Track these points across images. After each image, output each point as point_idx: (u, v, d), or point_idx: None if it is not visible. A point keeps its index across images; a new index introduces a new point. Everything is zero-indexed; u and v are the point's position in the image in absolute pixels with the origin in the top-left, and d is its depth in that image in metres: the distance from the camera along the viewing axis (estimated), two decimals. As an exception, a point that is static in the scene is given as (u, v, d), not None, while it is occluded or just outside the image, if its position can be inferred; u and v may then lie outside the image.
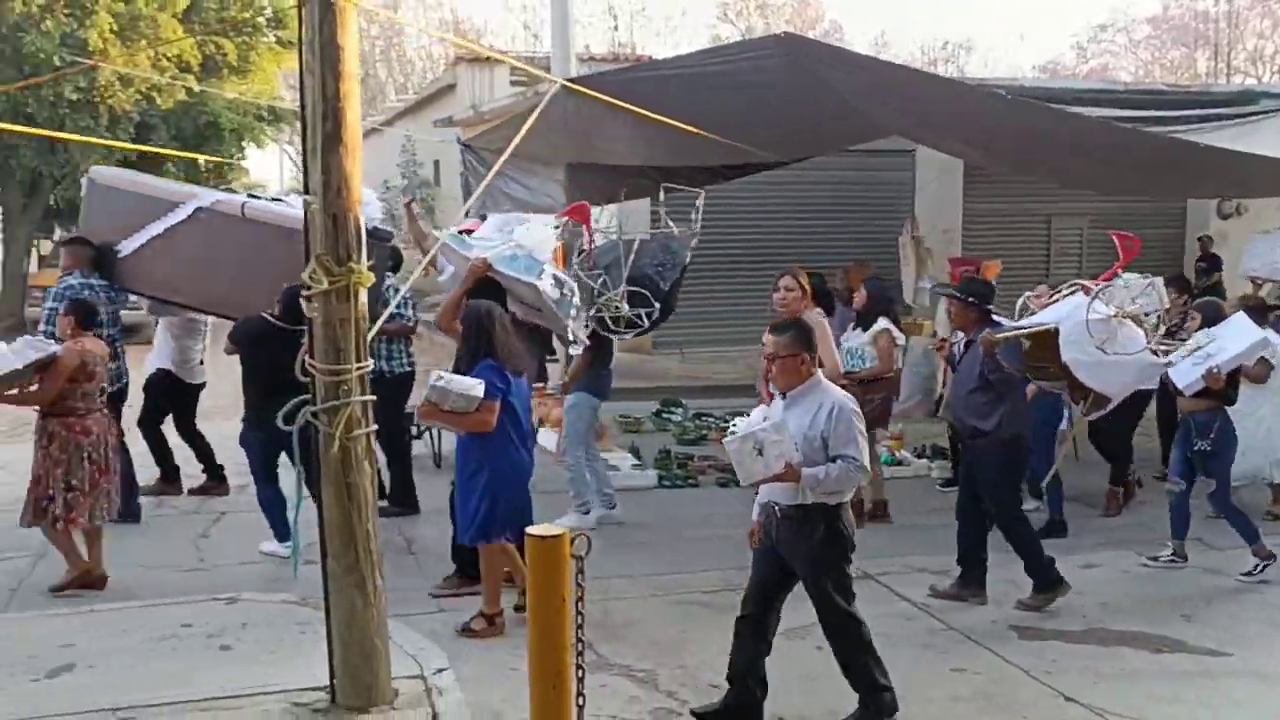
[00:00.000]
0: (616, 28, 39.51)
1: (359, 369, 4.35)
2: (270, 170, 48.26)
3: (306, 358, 4.42)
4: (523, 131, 5.60)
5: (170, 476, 8.38)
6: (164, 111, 18.93)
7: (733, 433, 4.54)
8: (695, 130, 6.91)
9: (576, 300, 6.89)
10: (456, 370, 5.63)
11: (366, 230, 8.07)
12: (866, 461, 4.52)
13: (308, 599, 5.55)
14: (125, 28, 17.60)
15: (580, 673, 3.58)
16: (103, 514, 6.24)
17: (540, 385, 8.71)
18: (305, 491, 5.05)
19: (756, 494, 4.66)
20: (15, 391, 6.18)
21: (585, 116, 8.22)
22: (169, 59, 18.39)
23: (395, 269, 8.24)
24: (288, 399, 6.60)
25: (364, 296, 4.36)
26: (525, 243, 6.70)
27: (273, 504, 6.85)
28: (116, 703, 4.38)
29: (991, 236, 16.38)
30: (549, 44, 12.86)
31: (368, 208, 8.68)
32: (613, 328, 7.24)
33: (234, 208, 7.65)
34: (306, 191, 4.30)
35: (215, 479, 8.45)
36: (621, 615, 5.82)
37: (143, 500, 7.82)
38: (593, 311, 7.10)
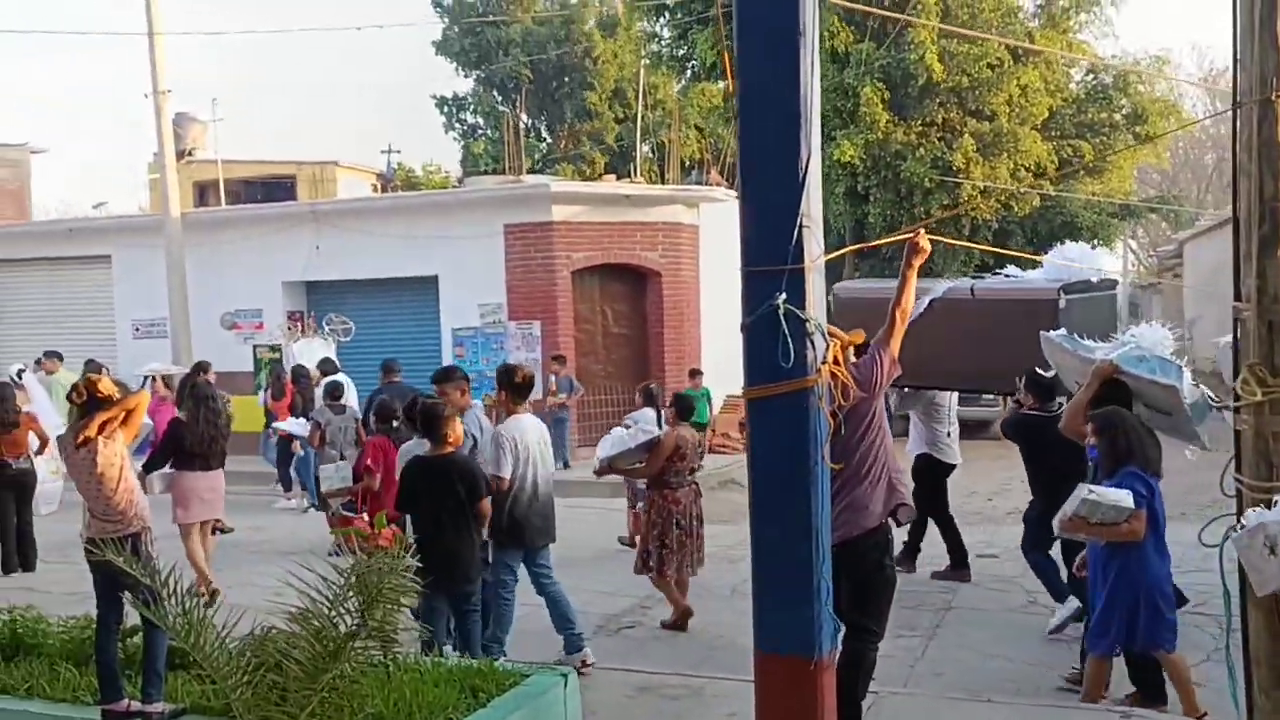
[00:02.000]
0: None
1: (1293, 487, 3.99)
2: (1112, 263, 47.44)
3: (1232, 473, 4.18)
4: None
5: (959, 564, 8.70)
6: (1020, 218, 19.81)
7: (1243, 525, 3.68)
8: None
9: (1211, 404, 6.02)
10: (1084, 477, 5.60)
11: (1088, 282, 7.93)
12: None
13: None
14: (988, 145, 18.84)
15: None
16: (688, 569, 7.55)
17: None
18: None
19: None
20: (627, 466, 7.74)
21: None
22: (1026, 168, 19.22)
23: None
24: (1064, 482, 6.45)
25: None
26: (1143, 343, 6.20)
27: (1044, 568, 7.26)
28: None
29: None
30: None
31: (1083, 259, 8.23)
32: None
33: (964, 291, 8.27)
34: (1237, 298, 4.11)
35: (959, 566, 8.69)
36: None
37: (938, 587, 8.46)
38: None
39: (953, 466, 8.94)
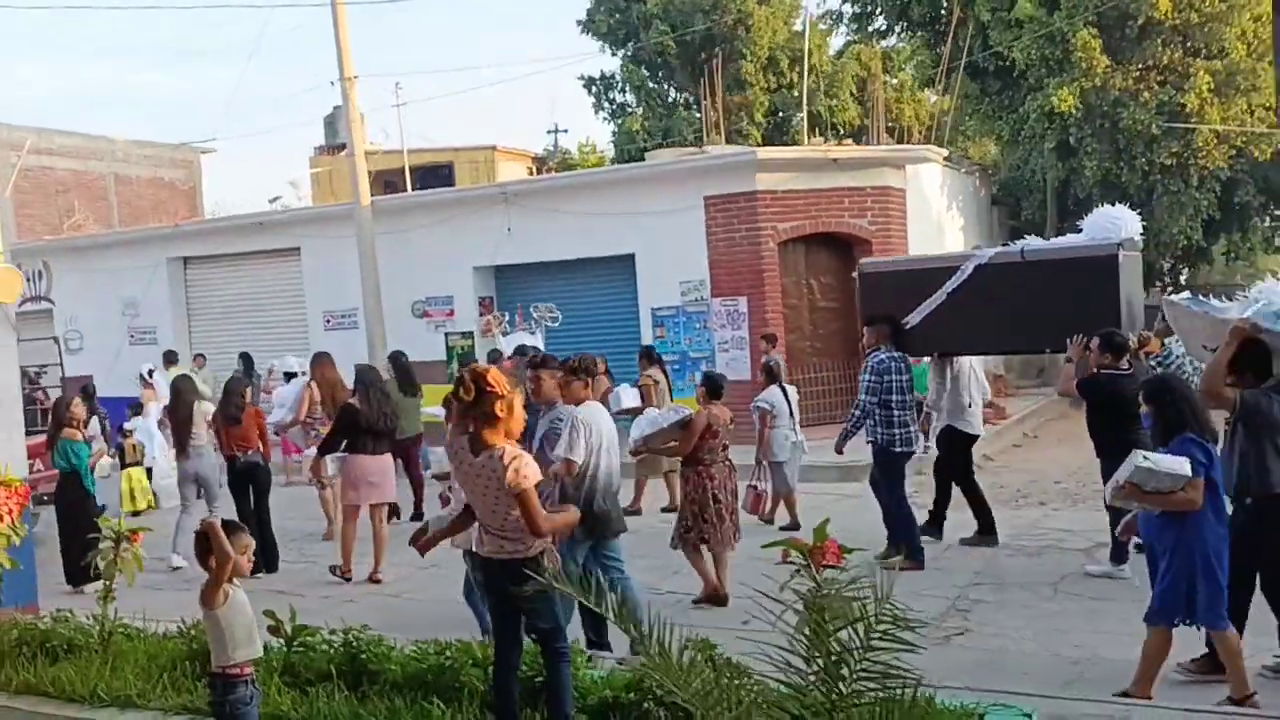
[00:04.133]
0: None
1: None
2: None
3: None
4: None
5: (986, 530, 8.98)
6: (1252, 166, 18.07)
7: None
8: None
9: None
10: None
11: (1133, 240, 8.38)
12: None
13: None
14: (1222, 85, 17.16)
15: None
16: (727, 542, 7.50)
17: None
18: None
19: None
20: (663, 445, 7.89)
21: None
22: (1267, 108, 17.48)
23: None
24: (1130, 432, 6.98)
25: None
26: (1276, 299, 5.85)
27: None
28: None
29: None
30: None
31: (1121, 222, 8.38)
32: None
33: (1014, 255, 8.53)
34: None
35: (987, 531, 8.97)
36: None
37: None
38: None
39: (974, 437, 9.21)
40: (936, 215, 17.68)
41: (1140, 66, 17.66)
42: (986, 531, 8.96)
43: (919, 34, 20.89)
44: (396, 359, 12.11)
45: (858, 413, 8.59)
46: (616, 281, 16.23)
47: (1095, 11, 17.35)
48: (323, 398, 11.34)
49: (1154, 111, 17.13)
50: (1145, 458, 5.15)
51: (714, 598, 7.45)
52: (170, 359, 16.84)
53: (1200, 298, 6.44)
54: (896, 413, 8.39)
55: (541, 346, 14.30)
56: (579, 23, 32.33)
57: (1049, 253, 8.40)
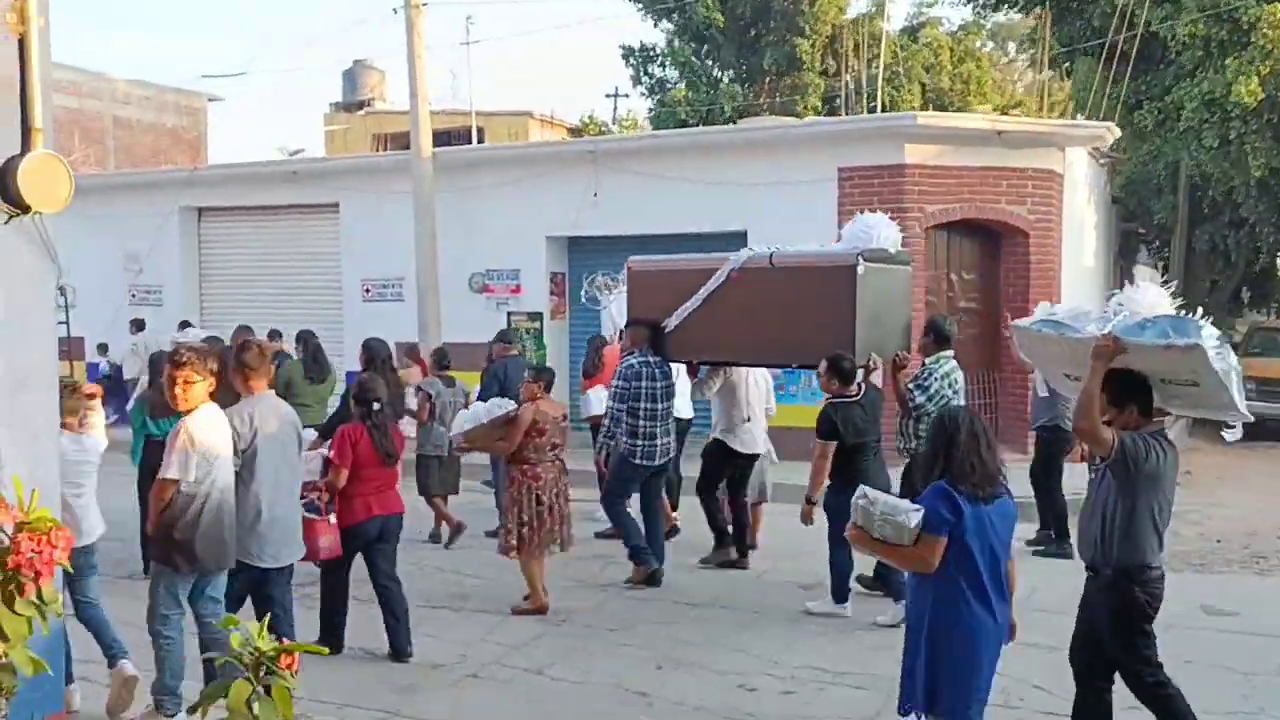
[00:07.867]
0: None
1: None
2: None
3: None
4: None
5: (722, 542, 8.48)
6: None
7: None
8: None
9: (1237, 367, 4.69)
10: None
11: (886, 252, 7.86)
12: None
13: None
14: None
15: None
16: (549, 548, 7.12)
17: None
18: None
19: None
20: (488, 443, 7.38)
21: None
22: None
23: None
24: (858, 462, 7.03)
25: None
26: (1136, 308, 4.95)
27: (843, 568, 7.15)
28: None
29: None
30: None
31: (874, 231, 7.89)
32: None
33: (763, 260, 7.97)
34: None
35: (722, 545, 8.51)
36: None
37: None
38: None
39: (749, 456, 8.55)
40: (1079, 210, 15.33)
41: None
42: (724, 545, 8.54)
43: (1040, 9, 18.49)
44: (307, 340, 10.26)
45: (608, 422, 8.19)
46: (722, 263, 13.74)
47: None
48: None
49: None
50: (864, 495, 4.30)
51: (540, 610, 7.19)
52: (139, 326, 15.90)
53: (1054, 319, 5.57)
54: (644, 423, 7.98)
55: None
56: (622, -12, 29.83)
57: (794, 260, 7.99)
